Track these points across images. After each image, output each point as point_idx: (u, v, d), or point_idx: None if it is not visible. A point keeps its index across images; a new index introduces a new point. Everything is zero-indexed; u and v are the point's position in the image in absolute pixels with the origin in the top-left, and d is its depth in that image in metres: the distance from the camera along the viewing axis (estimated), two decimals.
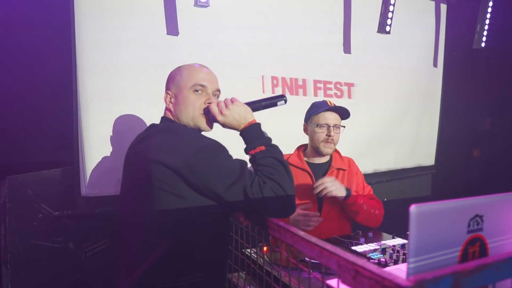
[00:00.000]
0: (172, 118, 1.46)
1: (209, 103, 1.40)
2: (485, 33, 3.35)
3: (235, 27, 2.70)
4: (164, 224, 1.25)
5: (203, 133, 1.46)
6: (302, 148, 2.22)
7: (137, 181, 1.33)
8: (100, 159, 2.19)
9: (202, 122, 1.42)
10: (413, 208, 0.85)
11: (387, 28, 2.92)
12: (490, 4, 3.28)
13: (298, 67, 3.03)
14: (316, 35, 3.07)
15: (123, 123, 2.23)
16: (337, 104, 2.07)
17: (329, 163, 2.15)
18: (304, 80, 3.07)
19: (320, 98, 3.13)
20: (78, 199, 2.15)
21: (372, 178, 3.53)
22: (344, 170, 2.15)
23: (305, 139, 2.19)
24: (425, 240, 0.86)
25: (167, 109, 1.47)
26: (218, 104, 1.39)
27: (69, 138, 2.15)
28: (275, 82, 2.94)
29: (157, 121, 1.48)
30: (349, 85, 3.30)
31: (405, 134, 3.76)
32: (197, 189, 1.23)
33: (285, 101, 1.49)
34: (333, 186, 1.88)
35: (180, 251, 1.26)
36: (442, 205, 0.90)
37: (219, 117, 1.37)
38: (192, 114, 1.40)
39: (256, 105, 1.48)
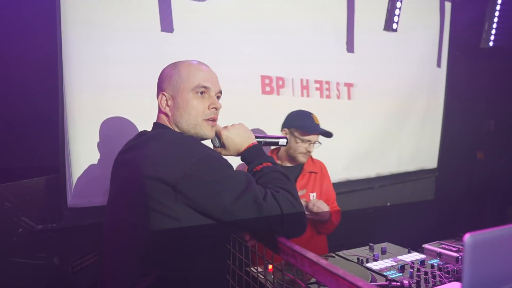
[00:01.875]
0: (167, 124, 1.27)
1: (214, 107, 1.26)
2: (493, 31, 3.21)
3: (234, 24, 2.54)
4: (154, 250, 1.08)
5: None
6: (275, 151, 2.26)
7: (125, 197, 1.16)
8: (88, 166, 2.01)
9: (205, 129, 1.26)
10: (468, 237, 0.69)
11: (394, 26, 2.78)
12: (499, 1, 3.15)
13: (302, 68, 2.89)
14: (318, 34, 2.93)
15: (113, 127, 2.06)
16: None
17: (301, 166, 2.18)
18: (307, 81, 2.92)
19: (323, 99, 3.00)
20: (64, 211, 1.97)
21: (375, 182, 3.42)
22: (316, 173, 2.19)
23: None
24: (479, 274, 0.71)
25: (162, 113, 1.28)
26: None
27: (54, 143, 1.96)
28: (280, 82, 2.79)
29: (149, 125, 1.31)
30: (349, 85, 3.16)
31: (408, 136, 3.65)
32: (198, 207, 1.05)
33: (287, 143, 1.53)
34: (322, 205, 1.96)
35: (172, 281, 1.09)
36: (498, 232, 0.74)
37: (223, 132, 1.33)
38: (194, 121, 1.24)
39: (258, 139, 1.44)
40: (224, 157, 1.19)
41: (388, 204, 3.65)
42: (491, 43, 3.30)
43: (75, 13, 1.98)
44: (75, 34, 1.99)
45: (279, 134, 1.72)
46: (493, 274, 0.72)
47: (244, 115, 2.08)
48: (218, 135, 1.34)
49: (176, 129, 1.26)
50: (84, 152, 1.99)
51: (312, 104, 2.87)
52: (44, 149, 2.02)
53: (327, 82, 3.04)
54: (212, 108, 1.25)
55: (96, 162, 2.00)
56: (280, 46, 2.75)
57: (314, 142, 2.09)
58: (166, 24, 2.29)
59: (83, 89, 2.00)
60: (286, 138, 1.52)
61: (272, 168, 1.25)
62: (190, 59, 1.30)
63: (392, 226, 3.14)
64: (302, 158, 2.09)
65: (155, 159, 1.08)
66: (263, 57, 2.69)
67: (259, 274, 1.36)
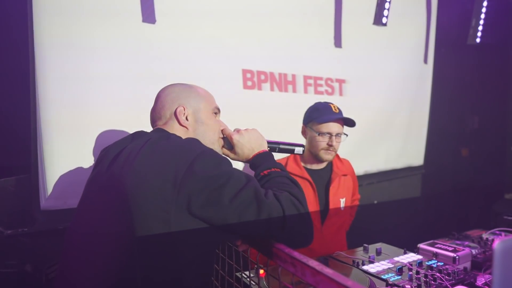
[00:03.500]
0: (181, 135, 1.22)
1: (222, 129, 1.34)
2: (480, 28, 3.20)
3: (220, 15, 2.42)
4: (141, 255, 0.98)
5: None
6: None
7: (111, 197, 1.06)
8: (64, 164, 1.86)
9: (219, 147, 1.33)
10: (497, 244, 0.61)
11: (384, 20, 2.72)
12: None
13: (287, 62, 2.79)
14: (306, 28, 2.86)
15: (90, 124, 1.93)
16: (328, 100, 1.96)
17: (329, 168, 2.00)
18: (293, 76, 2.83)
19: (311, 95, 2.93)
20: (37, 214, 1.82)
21: (363, 180, 3.37)
22: (346, 175, 2.03)
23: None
24: (510, 282, 0.63)
25: (180, 125, 1.24)
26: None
27: (25, 139, 1.81)
28: (262, 77, 2.68)
29: (134, 123, 1.21)
30: (341, 81, 3.10)
31: (396, 133, 3.62)
32: (195, 204, 0.98)
33: (303, 151, 1.44)
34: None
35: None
36: None
37: (235, 135, 1.31)
38: (214, 137, 1.30)
39: (271, 145, 1.40)
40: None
41: (375, 202, 3.61)
42: (478, 40, 3.29)
43: (48, 9, 1.84)
44: (47, 20, 1.83)
45: (296, 142, 1.52)
46: None
47: (227, 111, 1.99)
48: (228, 139, 1.33)
49: None
50: (58, 150, 1.84)
51: (299, 100, 2.80)
52: (13, 146, 1.86)
53: (318, 78, 2.96)
54: (222, 128, 1.34)
55: (72, 160, 1.85)
56: (266, 40, 2.65)
57: (337, 135, 1.87)
58: (148, 15, 2.17)
59: (57, 81, 1.85)
60: (303, 146, 1.41)
61: (279, 173, 1.21)
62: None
63: (381, 224, 3.10)
64: (325, 155, 1.87)
65: (157, 155, 1.04)
66: (247, 51, 2.58)
67: (251, 281, 1.26)
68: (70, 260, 1.12)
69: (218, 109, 1.34)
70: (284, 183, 1.15)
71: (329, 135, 1.85)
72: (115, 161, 1.11)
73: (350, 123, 1.90)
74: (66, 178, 1.85)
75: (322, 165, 1.98)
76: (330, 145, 1.86)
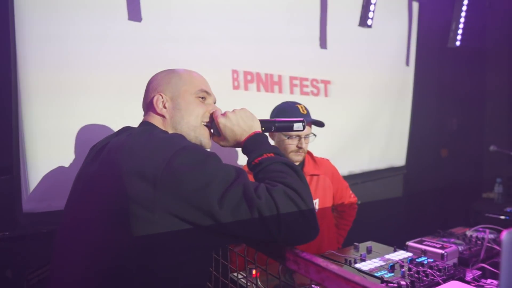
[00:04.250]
0: (159, 125, 1.17)
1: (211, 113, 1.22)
2: (460, 31, 3.29)
3: (206, 14, 2.40)
4: (126, 265, 0.92)
5: None
6: None
7: (94, 197, 0.99)
8: (47, 166, 1.79)
9: (204, 135, 1.20)
10: (506, 234, 0.62)
11: (369, 22, 2.76)
12: (465, 2, 3.23)
13: (273, 62, 2.79)
14: (291, 30, 2.86)
15: (74, 125, 1.87)
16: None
17: (300, 168, 1.93)
18: (279, 76, 2.84)
19: (297, 96, 2.94)
20: (18, 217, 1.74)
21: (348, 180, 3.36)
22: (317, 175, 1.99)
23: None
24: None
25: (157, 114, 1.18)
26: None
27: (7, 139, 1.74)
28: (249, 77, 2.67)
29: (121, 121, 1.17)
30: (326, 82, 3.12)
31: (379, 134, 3.67)
32: (179, 208, 0.89)
33: (304, 127, 1.25)
34: None
35: None
36: None
37: (220, 118, 1.17)
38: (195, 123, 1.18)
39: (267, 124, 1.25)
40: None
41: (359, 202, 3.65)
42: (458, 43, 3.38)
43: (30, 6, 1.78)
44: (30, 29, 1.77)
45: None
46: None
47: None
48: (215, 123, 1.20)
49: (173, 132, 1.16)
50: (42, 150, 1.77)
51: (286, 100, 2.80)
52: None
53: (303, 79, 2.97)
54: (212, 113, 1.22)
55: (56, 161, 1.79)
56: (253, 40, 2.64)
57: (306, 136, 1.84)
58: (134, 13, 2.12)
59: (41, 83, 1.79)
60: (303, 121, 1.25)
61: (273, 159, 1.07)
62: (187, 69, 1.26)
63: (366, 224, 3.13)
64: (295, 157, 1.83)
65: (136, 151, 0.94)
66: (234, 51, 2.56)
67: (249, 280, 1.24)
68: (59, 263, 1.07)
69: (207, 92, 1.22)
70: (278, 172, 1.02)
71: (298, 138, 1.81)
72: (96, 159, 1.06)
73: (319, 124, 1.87)
74: (50, 179, 1.78)
75: None
76: (299, 148, 1.82)
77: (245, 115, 1.18)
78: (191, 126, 1.17)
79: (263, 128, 1.23)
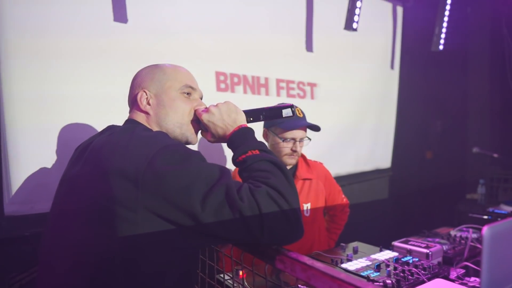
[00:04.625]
0: (144, 123, 1.15)
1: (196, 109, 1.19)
2: (443, 35, 3.36)
3: (193, 17, 2.39)
4: (106, 262, 0.90)
5: None
6: None
7: (77, 198, 0.98)
8: (31, 167, 1.76)
9: (190, 132, 1.17)
10: (486, 229, 0.63)
11: (354, 25, 2.79)
12: (448, 7, 3.31)
13: (260, 65, 2.80)
14: (278, 33, 2.88)
15: (58, 126, 1.84)
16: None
17: (293, 171, 1.93)
18: (266, 79, 2.85)
19: (283, 98, 2.95)
20: (0, 220, 1.70)
21: None
22: (310, 179, 1.97)
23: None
24: (498, 266, 0.66)
25: (141, 111, 1.16)
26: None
27: None
28: (236, 80, 2.68)
29: (107, 121, 1.16)
30: (312, 85, 3.15)
31: (365, 137, 3.71)
32: (161, 208, 0.88)
33: (293, 112, 1.20)
34: None
35: None
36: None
37: (203, 115, 1.14)
38: (181, 120, 1.15)
39: (254, 114, 1.20)
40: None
41: None
42: (441, 47, 3.45)
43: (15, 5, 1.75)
44: (14, 28, 1.75)
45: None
46: (510, 265, 0.67)
47: None
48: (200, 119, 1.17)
49: (157, 129, 1.13)
50: (24, 152, 1.74)
51: (272, 103, 2.81)
52: None
53: (290, 81, 2.99)
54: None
55: (40, 162, 1.76)
56: (240, 43, 2.65)
57: (301, 140, 1.83)
58: (120, 14, 2.11)
59: (24, 84, 1.76)
60: (292, 106, 1.20)
61: (258, 157, 1.03)
62: (173, 64, 1.24)
63: (353, 225, 3.15)
64: (288, 160, 1.82)
65: (117, 151, 0.93)
66: (220, 53, 2.56)
67: (235, 281, 1.24)
68: (45, 266, 1.05)
69: (192, 88, 1.19)
70: (262, 171, 0.99)
71: (293, 141, 1.81)
72: (79, 160, 1.04)
73: (315, 128, 1.87)
74: (33, 181, 1.75)
75: None
76: (294, 151, 1.82)
77: (229, 109, 1.14)
78: (177, 123, 1.15)
79: (251, 119, 1.20)
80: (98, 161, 0.95)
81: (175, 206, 0.88)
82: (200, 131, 1.22)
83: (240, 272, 1.38)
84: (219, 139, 1.16)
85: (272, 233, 0.90)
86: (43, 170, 1.77)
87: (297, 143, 1.81)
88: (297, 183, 1.90)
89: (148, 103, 1.15)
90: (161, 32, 2.24)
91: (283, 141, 1.79)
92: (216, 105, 1.15)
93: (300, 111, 1.84)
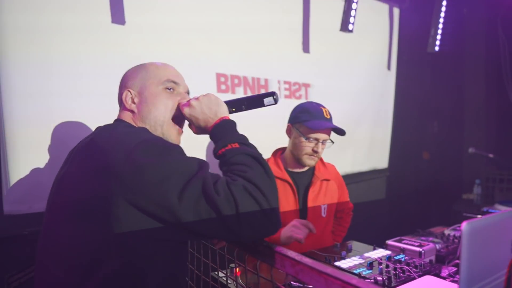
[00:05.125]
0: (130, 122, 1.17)
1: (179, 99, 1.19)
2: (438, 37, 3.39)
3: (192, 19, 2.42)
4: (93, 255, 0.93)
5: None
6: (279, 153, 1.95)
7: (64, 196, 1.01)
8: (29, 167, 1.79)
9: (171, 133, 1.17)
10: (465, 225, 0.66)
11: (350, 27, 2.82)
12: (443, 9, 3.34)
13: (260, 66, 2.83)
14: (275, 34, 2.90)
15: (56, 126, 1.86)
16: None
17: (311, 172, 1.93)
18: (266, 80, 2.88)
19: (281, 99, 2.97)
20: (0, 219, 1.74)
21: None
22: (328, 180, 1.97)
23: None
24: (476, 261, 0.69)
25: (126, 110, 1.18)
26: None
27: None
28: (236, 81, 2.70)
29: (98, 122, 1.19)
30: (307, 86, 3.17)
31: (362, 137, 3.73)
32: (140, 201, 0.88)
33: (275, 100, 1.19)
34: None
35: None
36: (494, 219, 0.72)
37: (185, 109, 1.14)
38: (163, 117, 1.15)
39: (236, 104, 1.20)
40: None
41: None
42: (436, 48, 3.47)
43: (12, 7, 1.77)
44: (11, 30, 1.77)
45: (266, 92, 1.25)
46: (488, 260, 0.70)
47: None
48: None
49: (142, 127, 1.15)
50: (23, 151, 1.77)
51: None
52: None
53: (286, 82, 3.01)
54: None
55: (38, 162, 1.78)
56: (240, 45, 2.68)
57: (324, 141, 1.79)
58: (118, 16, 2.13)
59: (22, 85, 1.78)
60: (274, 94, 1.18)
61: (237, 150, 1.02)
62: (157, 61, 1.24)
63: (353, 225, 3.19)
64: (308, 161, 1.79)
65: (99, 148, 0.96)
66: (219, 54, 2.59)
67: (229, 278, 1.26)
68: (41, 265, 1.08)
69: (175, 82, 1.18)
70: (240, 164, 0.99)
71: (316, 141, 1.78)
72: (68, 161, 1.08)
73: (340, 132, 1.83)
74: (31, 181, 1.78)
75: (303, 168, 1.91)
76: (315, 151, 1.79)
77: (209, 101, 1.13)
78: (159, 120, 1.15)
79: (233, 109, 1.20)
80: (82, 160, 0.98)
81: (153, 200, 0.88)
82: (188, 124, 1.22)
83: (236, 269, 1.41)
84: (202, 131, 1.15)
85: (250, 226, 0.90)
86: (40, 170, 1.80)
87: (320, 144, 1.78)
88: (316, 184, 1.89)
89: (133, 102, 1.17)
90: (160, 34, 2.27)
91: (306, 139, 1.76)
92: (197, 98, 1.14)
93: (327, 112, 1.82)
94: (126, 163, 0.89)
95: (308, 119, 1.76)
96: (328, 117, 1.81)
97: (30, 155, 1.79)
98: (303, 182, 1.89)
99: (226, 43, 2.61)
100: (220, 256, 1.20)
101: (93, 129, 1.89)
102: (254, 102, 1.21)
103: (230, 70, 2.65)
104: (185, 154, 0.99)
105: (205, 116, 1.12)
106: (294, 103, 3.02)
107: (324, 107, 1.83)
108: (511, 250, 0.76)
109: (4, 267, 1.78)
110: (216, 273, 1.37)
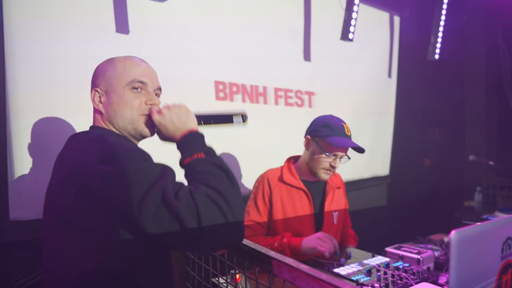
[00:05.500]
0: (100, 123, 1.17)
1: (151, 104, 1.16)
2: (438, 45, 3.43)
3: (193, 27, 2.47)
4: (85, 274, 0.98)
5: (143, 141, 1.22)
6: (291, 161, 1.97)
7: (45, 207, 1.10)
8: (35, 175, 1.83)
9: (142, 126, 1.16)
10: (454, 234, 0.69)
11: (350, 36, 2.86)
12: (443, 17, 3.37)
13: (258, 74, 2.87)
14: (277, 42, 2.95)
15: (64, 134, 1.89)
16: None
17: (325, 182, 1.95)
18: (264, 88, 2.91)
19: (281, 106, 3.00)
20: (6, 224, 1.77)
21: None
22: (339, 188, 2.03)
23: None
24: (465, 269, 0.71)
25: (96, 111, 1.18)
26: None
27: None
28: (234, 89, 2.74)
29: None
30: (310, 93, 3.21)
31: (363, 144, 3.70)
32: (105, 210, 0.91)
33: (244, 120, 1.23)
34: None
35: None
36: (482, 228, 0.75)
37: (155, 116, 1.12)
38: (130, 115, 1.14)
39: (206, 118, 1.21)
40: None
41: None
42: (436, 56, 3.51)
43: (20, 14, 1.82)
44: (21, 34, 1.82)
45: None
46: (477, 268, 0.72)
47: None
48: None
49: (112, 128, 1.16)
50: (29, 159, 1.81)
51: (269, 111, 2.88)
52: None
53: (288, 90, 3.05)
54: (150, 104, 1.16)
55: (43, 170, 1.82)
56: (238, 53, 2.72)
57: (341, 157, 1.81)
58: (122, 25, 2.19)
59: (29, 90, 1.83)
60: (243, 116, 1.22)
61: (202, 160, 1.01)
62: (128, 55, 1.21)
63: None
64: (324, 175, 1.81)
65: (65, 157, 1.03)
66: (219, 63, 2.63)
67: (230, 284, 1.29)
68: (44, 269, 1.12)
69: (142, 82, 1.15)
70: (204, 173, 0.97)
71: (334, 156, 1.79)
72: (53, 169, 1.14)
73: (360, 150, 1.84)
74: (36, 187, 1.81)
75: (316, 179, 1.92)
76: (332, 166, 1.80)
77: (180, 112, 1.12)
78: (127, 119, 1.14)
79: (202, 122, 1.19)
80: (56, 171, 1.06)
81: (114, 209, 0.90)
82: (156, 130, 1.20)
83: (237, 276, 1.43)
84: (169, 140, 1.14)
85: (212, 235, 0.89)
86: (45, 177, 1.83)
87: (338, 159, 1.80)
88: (330, 192, 1.92)
89: (100, 101, 1.16)
90: (161, 42, 2.32)
91: (325, 154, 1.77)
92: (169, 107, 1.13)
93: (348, 128, 1.82)
94: (85, 173, 0.92)
95: (330, 135, 1.76)
96: (349, 134, 1.82)
97: (35, 163, 1.83)
98: (317, 190, 1.92)
99: (225, 51, 2.65)
100: (220, 262, 1.22)
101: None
102: (223, 118, 1.23)
103: (229, 78, 2.69)
104: (147, 159, 0.98)
105: (174, 126, 1.11)
106: (294, 111, 3.07)
107: (345, 123, 1.84)
108: (500, 257, 0.79)
109: (9, 272, 1.82)
110: (217, 279, 1.40)
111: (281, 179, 1.88)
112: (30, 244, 1.83)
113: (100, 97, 1.15)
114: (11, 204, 1.79)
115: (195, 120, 1.15)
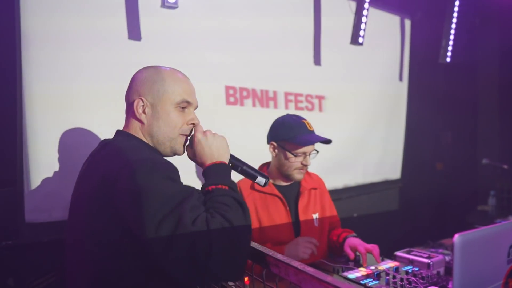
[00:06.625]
0: (137, 132, 1.19)
1: (193, 123, 1.22)
2: (450, 48, 3.40)
3: (204, 33, 2.50)
4: (101, 266, 1.04)
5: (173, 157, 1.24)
6: (264, 168, 1.95)
7: (79, 213, 1.13)
8: (49, 178, 1.88)
9: (180, 144, 1.21)
10: (457, 237, 0.69)
11: (360, 40, 2.86)
12: (454, 20, 3.35)
13: (268, 79, 2.89)
14: (287, 47, 2.97)
15: (76, 138, 1.95)
16: (307, 117, 1.89)
17: (298, 183, 1.91)
18: (274, 92, 2.93)
19: (291, 111, 3.02)
20: (21, 226, 1.82)
21: (342, 193, 3.46)
22: (315, 189, 1.96)
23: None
24: (469, 273, 0.71)
25: (135, 119, 1.19)
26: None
27: (11, 151, 1.83)
28: (245, 93, 2.77)
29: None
30: (320, 97, 3.22)
31: (374, 148, 3.74)
32: (128, 221, 0.98)
33: (264, 185, 1.27)
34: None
35: None
36: (486, 232, 0.75)
37: (199, 134, 1.18)
38: (172, 134, 1.18)
39: (237, 162, 1.25)
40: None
41: (355, 215, 3.69)
42: (448, 59, 3.48)
43: (36, 21, 1.88)
44: (36, 41, 1.88)
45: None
46: (482, 272, 0.72)
47: (209, 126, 2.03)
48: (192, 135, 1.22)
49: (148, 139, 1.20)
50: (44, 163, 1.86)
51: (280, 115, 2.88)
52: None
53: (298, 94, 3.06)
54: (191, 124, 1.21)
55: (57, 173, 1.87)
56: (249, 58, 2.74)
57: (310, 153, 1.80)
58: (134, 32, 2.23)
59: (44, 96, 1.88)
60: (267, 179, 1.26)
61: (224, 192, 1.07)
62: (174, 69, 1.25)
63: (360, 235, 3.18)
64: (298, 175, 1.80)
65: (97, 164, 1.08)
66: (229, 68, 2.66)
67: (238, 286, 1.30)
68: (68, 270, 1.17)
69: (188, 102, 1.20)
70: (223, 204, 1.03)
71: (304, 155, 1.78)
72: (81, 176, 1.18)
73: (327, 142, 1.83)
74: (51, 190, 1.86)
75: (290, 181, 1.90)
76: (304, 165, 1.79)
77: (221, 143, 1.18)
78: (167, 137, 1.18)
79: (231, 164, 1.23)
80: (82, 177, 1.13)
81: (135, 224, 0.95)
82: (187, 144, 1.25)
83: (245, 278, 1.44)
84: (198, 161, 1.19)
85: (218, 263, 0.93)
86: (59, 180, 1.88)
87: (307, 156, 1.79)
88: (304, 194, 1.89)
89: (144, 112, 1.17)
90: (172, 48, 2.35)
91: (295, 156, 1.76)
92: (214, 134, 1.20)
93: (310, 124, 1.81)
94: (113, 184, 0.97)
95: (294, 135, 1.75)
96: (312, 129, 1.80)
97: (50, 166, 1.88)
98: (292, 194, 1.89)
99: (235, 56, 2.67)
100: None
101: (106, 135, 1.99)
102: (248, 172, 1.27)
103: (239, 82, 2.72)
104: (175, 180, 1.02)
105: (211, 151, 1.16)
106: (304, 115, 3.06)
107: (305, 120, 1.82)
108: (507, 261, 0.79)
109: (24, 273, 1.86)
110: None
111: (253, 187, 1.83)
112: (44, 246, 1.88)
113: (144, 107, 1.16)
114: (26, 207, 1.84)
115: (228, 156, 1.20)
